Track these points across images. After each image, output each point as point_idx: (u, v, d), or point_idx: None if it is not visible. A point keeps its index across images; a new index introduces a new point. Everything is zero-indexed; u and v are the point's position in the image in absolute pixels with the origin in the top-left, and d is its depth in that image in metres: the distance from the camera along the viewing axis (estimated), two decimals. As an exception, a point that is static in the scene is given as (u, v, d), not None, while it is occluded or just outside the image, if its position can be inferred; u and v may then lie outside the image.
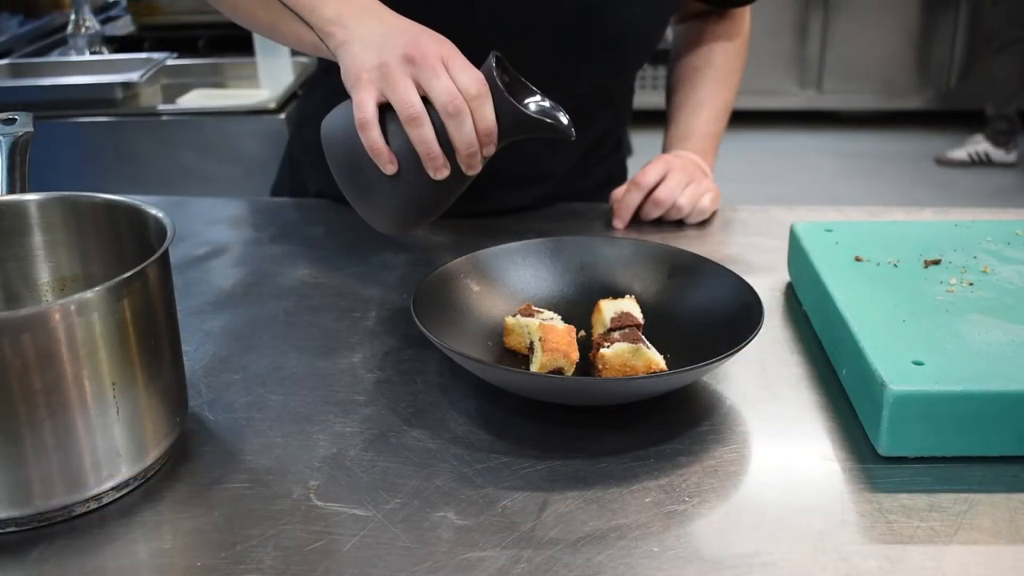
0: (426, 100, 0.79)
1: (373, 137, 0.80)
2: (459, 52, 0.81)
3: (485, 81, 0.79)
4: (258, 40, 2.24)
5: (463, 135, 0.79)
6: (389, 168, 0.81)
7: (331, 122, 0.86)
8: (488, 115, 0.79)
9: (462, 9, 1.03)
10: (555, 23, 1.05)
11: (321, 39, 0.86)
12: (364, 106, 0.80)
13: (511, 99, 0.80)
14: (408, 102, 0.78)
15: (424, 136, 0.79)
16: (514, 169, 1.09)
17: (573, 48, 1.07)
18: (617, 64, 1.15)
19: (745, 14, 1.28)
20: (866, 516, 0.64)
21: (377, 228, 0.88)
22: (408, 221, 0.87)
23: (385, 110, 0.80)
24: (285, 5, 0.87)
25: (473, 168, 0.81)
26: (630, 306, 0.83)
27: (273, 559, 0.61)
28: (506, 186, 1.13)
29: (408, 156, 0.80)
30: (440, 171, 0.80)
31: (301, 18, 0.87)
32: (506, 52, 1.06)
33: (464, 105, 0.78)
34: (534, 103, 0.85)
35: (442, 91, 0.78)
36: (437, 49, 0.80)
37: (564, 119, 0.83)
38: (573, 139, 0.83)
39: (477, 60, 0.82)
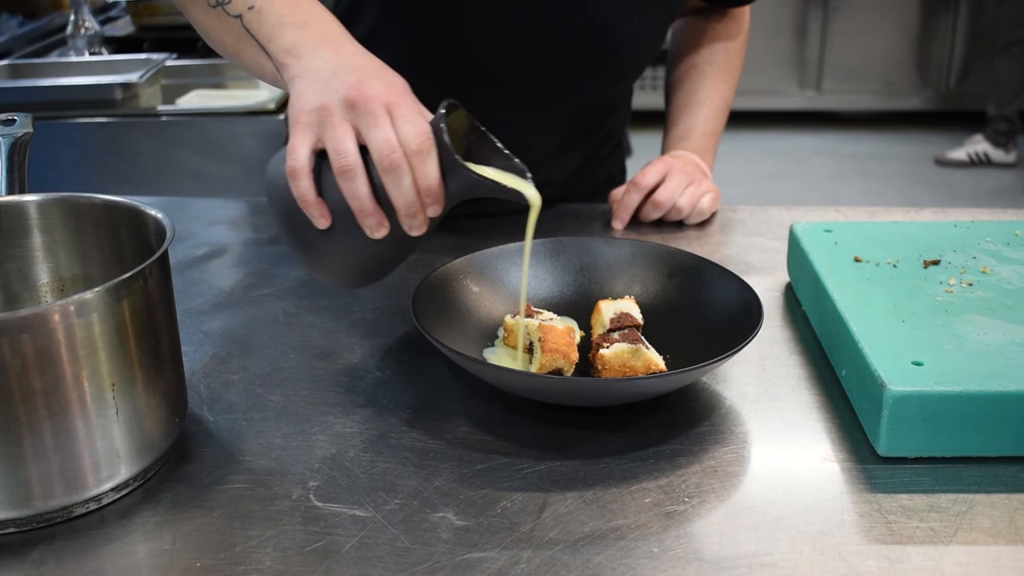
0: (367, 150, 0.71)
1: (302, 187, 0.72)
2: (411, 98, 0.73)
3: (431, 134, 0.70)
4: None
5: (401, 192, 0.70)
6: (321, 223, 0.73)
7: (272, 166, 0.77)
8: (430, 172, 0.70)
9: (465, 27, 1.03)
10: (559, 38, 1.05)
11: (278, 70, 0.79)
12: (296, 152, 0.72)
13: (457, 157, 0.70)
14: (341, 152, 0.70)
15: (357, 191, 0.71)
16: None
17: (577, 61, 1.08)
18: (620, 73, 1.16)
19: (745, 13, 1.28)
20: (865, 516, 0.65)
21: (320, 279, 0.81)
22: (349, 278, 0.79)
23: (325, 158, 0.72)
24: (248, 31, 0.81)
25: (416, 229, 0.72)
26: (629, 307, 0.83)
27: (272, 560, 0.61)
28: None
29: (346, 211, 0.72)
30: (376, 230, 0.72)
31: (261, 46, 0.80)
32: (511, 68, 1.05)
33: (402, 160, 0.69)
34: (495, 160, 0.75)
35: (380, 142, 0.69)
36: (384, 94, 0.71)
37: (526, 181, 0.74)
38: (537, 206, 0.74)
39: (479, 78, 0.74)
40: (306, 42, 0.77)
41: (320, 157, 0.73)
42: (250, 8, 0.81)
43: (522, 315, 0.80)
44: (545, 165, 1.17)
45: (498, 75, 1.06)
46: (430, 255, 1.05)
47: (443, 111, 0.71)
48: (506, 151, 0.75)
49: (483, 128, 0.76)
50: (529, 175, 0.75)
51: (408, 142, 0.69)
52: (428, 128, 0.70)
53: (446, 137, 0.70)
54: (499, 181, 0.72)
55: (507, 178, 0.74)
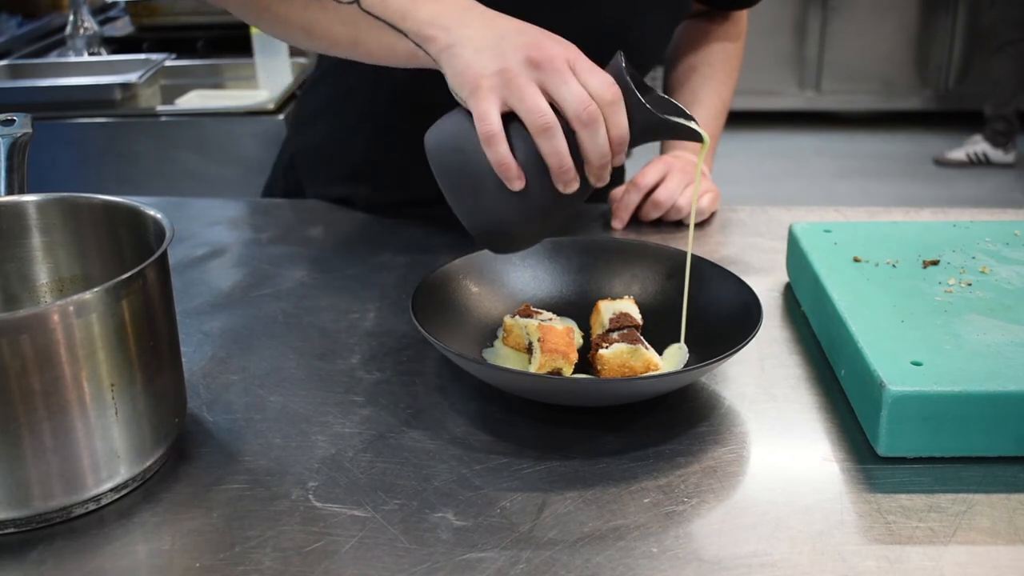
0: (553, 107, 0.72)
1: (501, 152, 0.72)
2: (583, 54, 0.74)
3: (617, 85, 0.72)
4: (257, 41, 2.24)
5: (597, 145, 0.72)
6: (517, 184, 0.73)
7: (441, 134, 0.77)
8: (622, 122, 0.72)
9: None
10: (577, 40, 1.05)
11: (418, 45, 0.78)
12: (488, 118, 0.72)
13: (646, 103, 0.73)
14: (539, 111, 0.71)
15: (557, 148, 0.71)
16: None
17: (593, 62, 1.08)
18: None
19: (744, 16, 1.29)
20: (865, 516, 0.65)
21: (493, 249, 0.80)
22: (528, 237, 0.79)
23: (506, 119, 0.73)
24: (371, 15, 0.79)
25: (602, 180, 0.75)
26: (629, 307, 0.83)
27: (272, 560, 0.61)
28: None
29: (535, 169, 0.73)
30: (571, 184, 0.73)
31: (392, 26, 0.78)
32: None
33: (599, 113, 0.71)
34: (659, 103, 0.78)
35: (574, 98, 0.71)
36: (563, 51, 0.73)
37: (694, 122, 0.77)
38: (707, 143, 0.78)
39: None
40: (447, 12, 0.77)
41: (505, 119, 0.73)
42: None
43: (690, 237, 0.85)
44: None
45: None
46: (430, 255, 1.05)
47: (621, 62, 0.73)
48: (664, 95, 0.78)
49: (640, 77, 0.77)
50: (690, 113, 0.78)
51: (600, 94, 0.71)
52: (613, 79, 0.72)
53: (632, 85, 0.72)
54: (677, 122, 0.75)
55: (682, 121, 0.76)
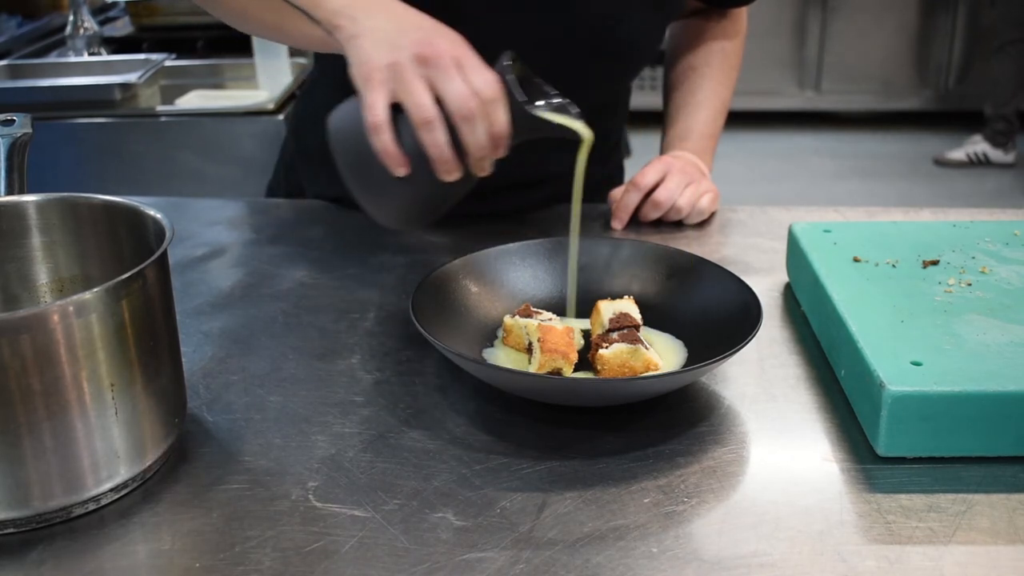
0: (437, 100, 0.77)
1: (385, 140, 0.78)
2: (472, 51, 0.79)
3: (499, 84, 0.77)
4: (257, 41, 2.24)
5: (476, 139, 0.77)
6: (400, 171, 0.79)
7: (339, 119, 0.84)
8: (501, 119, 0.77)
9: (462, 26, 1.02)
10: (563, 37, 1.05)
11: (329, 32, 0.83)
12: (375, 108, 0.77)
13: (524, 102, 0.78)
14: (421, 105, 0.76)
15: (437, 140, 0.77)
16: (516, 174, 1.09)
17: (579, 60, 1.08)
18: (621, 72, 1.16)
19: (743, 14, 1.28)
20: (865, 516, 0.65)
21: (382, 223, 0.88)
22: (414, 218, 0.87)
23: (396, 110, 0.78)
24: (289, 3, 0.85)
25: (483, 170, 0.80)
26: (628, 307, 0.83)
27: (272, 560, 0.61)
28: (508, 190, 1.13)
29: (419, 157, 0.78)
30: (451, 174, 0.79)
31: (307, 14, 0.84)
32: None
33: (478, 109, 0.76)
34: (547, 102, 0.83)
35: (456, 94, 0.76)
36: (451, 48, 0.77)
37: (578, 118, 0.82)
38: (589, 140, 0.82)
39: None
40: (356, 3, 0.81)
41: (393, 110, 0.78)
42: None
43: (572, 261, 0.88)
44: (543, 164, 1.17)
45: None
46: (430, 255, 1.05)
47: (506, 61, 0.79)
48: (556, 94, 0.84)
49: (535, 76, 0.84)
50: (578, 111, 0.83)
51: (481, 92, 0.76)
52: (496, 78, 0.77)
53: (513, 84, 0.78)
54: (557, 120, 0.81)
55: (563, 118, 0.82)
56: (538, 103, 0.83)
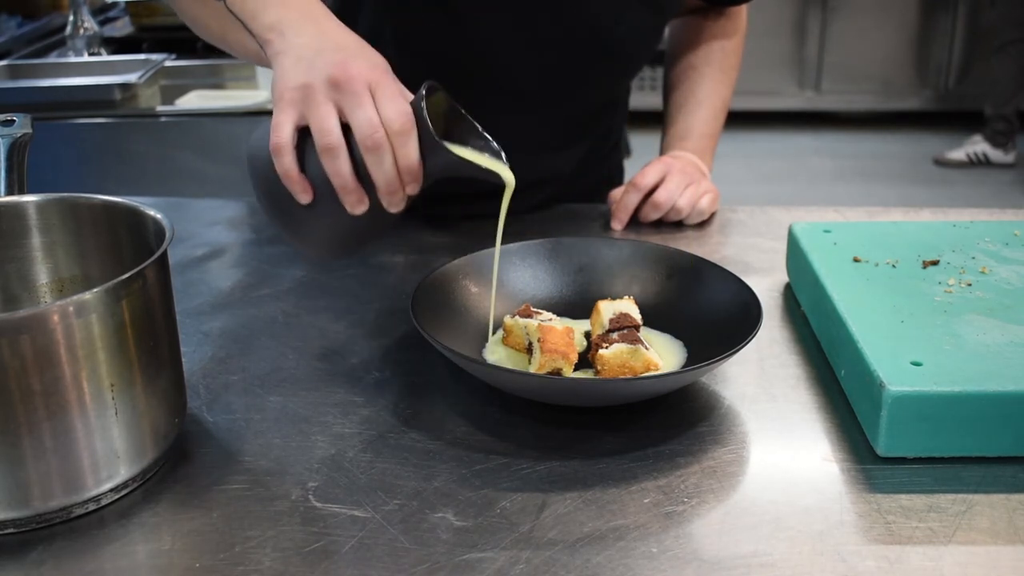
0: (346, 128, 0.73)
1: (286, 163, 0.74)
2: (392, 78, 0.75)
3: (412, 114, 0.72)
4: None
5: (383, 172, 0.72)
6: (303, 197, 0.75)
7: (254, 141, 0.80)
8: (411, 153, 0.72)
9: (462, 28, 1.03)
10: (557, 39, 1.05)
11: (261, 47, 0.80)
12: (279, 129, 0.74)
13: (437, 138, 0.72)
14: (325, 130, 0.72)
15: (339, 169, 0.73)
16: (515, 175, 1.09)
17: (574, 62, 1.08)
18: (619, 72, 1.16)
19: (742, 12, 1.28)
20: (865, 517, 0.65)
21: (300, 251, 0.84)
22: (328, 250, 0.83)
23: (307, 135, 0.74)
24: (231, 12, 0.82)
25: (394, 206, 0.75)
26: (628, 307, 0.83)
27: (272, 560, 0.61)
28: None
29: (326, 186, 0.74)
30: (356, 206, 0.74)
31: (244, 25, 0.81)
32: (507, 68, 1.05)
33: (384, 140, 0.71)
34: (472, 141, 0.77)
35: (363, 122, 0.71)
36: (367, 73, 0.73)
37: (500, 161, 0.77)
38: (511, 186, 0.78)
39: (475, 79, 0.78)
40: (288, 19, 0.78)
41: (303, 133, 0.75)
42: None
43: (492, 301, 0.85)
44: (543, 165, 1.17)
45: (495, 76, 1.06)
46: (430, 255, 1.05)
47: (424, 92, 0.73)
48: (483, 132, 0.78)
49: (462, 110, 0.78)
50: (503, 155, 0.78)
51: (390, 123, 0.72)
52: (409, 109, 0.72)
53: (426, 118, 0.72)
54: (476, 161, 0.75)
55: (484, 159, 0.76)
56: (467, 141, 0.77)
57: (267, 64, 0.81)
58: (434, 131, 0.72)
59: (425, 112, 0.72)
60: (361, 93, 0.72)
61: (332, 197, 0.75)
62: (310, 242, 0.81)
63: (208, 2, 0.86)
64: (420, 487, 0.68)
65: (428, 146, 0.73)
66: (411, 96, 0.74)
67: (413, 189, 0.75)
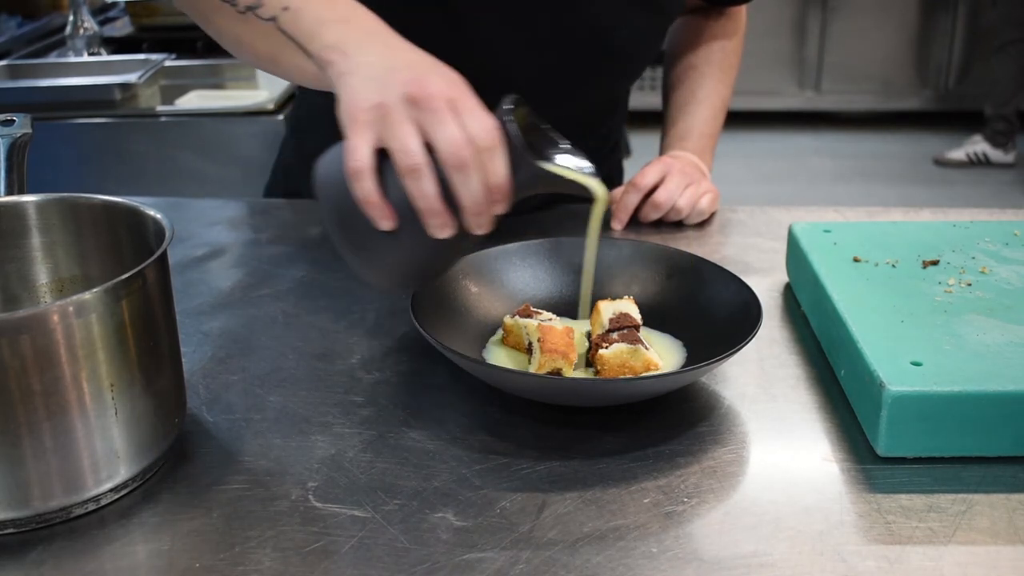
0: (430, 147, 0.69)
1: (366, 188, 0.69)
2: (470, 93, 0.71)
3: (498, 130, 0.68)
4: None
5: (469, 191, 0.68)
6: (384, 224, 0.70)
7: (325, 164, 0.74)
8: (499, 170, 0.68)
9: (463, 30, 1.02)
10: (559, 41, 1.05)
11: (321, 68, 0.76)
12: (357, 152, 0.69)
13: (528, 152, 0.69)
14: (408, 150, 0.68)
15: (424, 191, 0.68)
16: None
17: (576, 64, 1.08)
18: (619, 73, 1.16)
19: (742, 12, 1.28)
20: (865, 517, 0.65)
21: (371, 284, 0.78)
22: (404, 280, 0.77)
23: (385, 157, 0.70)
24: (284, 33, 0.78)
25: (480, 227, 0.71)
26: (628, 307, 0.83)
27: (272, 560, 0.61)
28: None
29: (407, 210, 0.69)
30: (442, 229, 0.70)
31: (300, 46, 0.77)
32: (509, 70, 1.05)
33: (471, 157, 0.67)
34: (557, 153, 0.74)
35: (448, 140, 0.67)
36: (446, 90, 0.69)
37: (591, 175, 0.74)
38: (603, 200, 0.75)
39: (476, 81, 0.75)
40: (351, 37, 0.74)
41: (380, 156, 0.70)
42: (285, 9, 0.78)
43: (584, 303, 0.83)
44: None
45: (494, 76, 1.06)
46: (429, 255, 1.05)
47: (509, 106, 0.70)
48: (567, 145, 0.75)
49: (544, 124, 0.74)
50: (592, 168, 0.74)
51: (477, 139, 0.68)
52: (495, 124, 0.69)
53: (515, 132, 0.69)
54: (566, 176, 0.72)
55: (573, 173, 0.73)
56: (549, 154, 0.73)
57: (326, 86, 0.76)
58: (523, 144, 0.69)
59: (513, 125, 0.69)
60: (442, 110, 0.68)
61: (414, 222, 0.70)
62: (385, 272, 0.75)
63: (254, 23, 0.80)
64: (420, 487, 0.68)
65: (516, 161, 0.69)
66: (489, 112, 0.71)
67: (501, 208, 0.70)
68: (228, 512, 0.65)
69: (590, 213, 0.77)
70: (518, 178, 0.69)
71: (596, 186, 0.74)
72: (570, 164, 0.74)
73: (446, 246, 0.72)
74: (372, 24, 0.77)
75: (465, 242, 0.73)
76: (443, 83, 0.70)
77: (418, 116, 0.68)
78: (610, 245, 0.93)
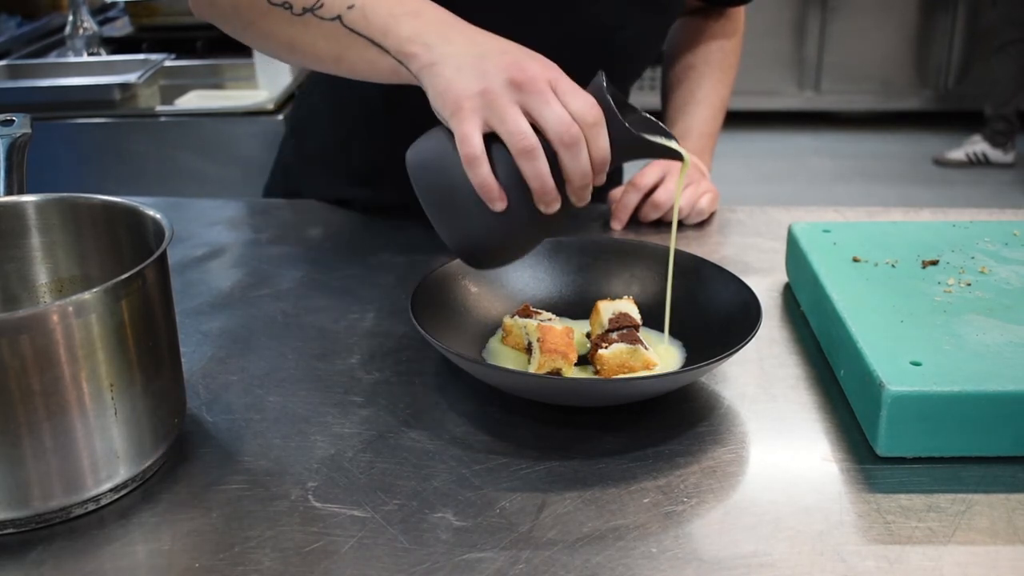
0: (534, 127, 0.72)
1: (483, 174, 0.71)
2: (564, 74, 0.74)
3: (599, 106, 0.72)
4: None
5: (579, 166, 0.72)
6: (499, 205, 0.72)
7: (423, 153, 0.77)
8: (604, 144, 0.72)
9: None
10: (559, 42, 1.05)
11: (400, 62, 0.77)
12: (470, 140, 0.71)
13: (626, 124, 0.73)
14: (521, 133, 0.70)
15: (539, 170, 0.71)
16: None
17: (578, 62, 1.07)
18: (620, 73, 1.16)
19: (741, 12, 1.29)
20: (864, 517, 0.65)
21: (475, 264, 0.80)
22: (510, 254, 0.80)
23: (488, 139, 0.72)
24: (353, 31, 0.79)
25: (583, 200, 0.75)
26: (628, 307, 0.83)
27: (271, 560, 0.61)
28: None
29: (516, 189, 0.72)
30: (552, 205, 0.73)
31: (373, 42, 0.78)
32: None
33: (580, 134, 0.71)
34: (641, 123, 0.78)
35: (556, 120, 0.70)
36: (544, 71, 0.72)
37: (675, 142, 0.77)
38: (688, 162, 0.79)
39: None
40: (429, 29, 0.76)
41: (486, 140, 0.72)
42: (350, 8, 0.79)
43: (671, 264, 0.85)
44: None
45: None
46: (430, 255, 1.05)
47: (603, 81, 0.74)
48: (644, 114, 0.78)
49: (620, 95, 0.77)
50: (672, 134, 0.78)
51: (582, 116, 0.71)
52: (595, 100, 0.72)
53: (613, 106, 0.73)
54: (657, 142, 0.76)
55: (662, 140, 0.77)
56: (636, 123, 0.77)
57: (404, 80, 0.78)
58: (622, 117, 0.73)
59: (611, 101, 0.73)
60: (546, 91, 0.71)
61: (522, 200, 0.73)
62: (494, 251, 0.78)
63: (313, 24, 0.81)
64: (420, 487, 0.68)
65: (617, 134, 0.73)
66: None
67: (601, 180, 0.74)
68: (228, 512, 0.65)
69: (679, 173, 0.83)
70: (616, 148, 0.73)
71: (682, 149, 0.78)
72: (654, 132, 0.78)
73: (548, 220, 0.75)
74: (444, 15, 0.78)
75: (564, 216, 0.77)
76: (539, 65, 0.73)
77: (523, 99, 0.71)
78: (610, 245, 0.93)
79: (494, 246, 0.77)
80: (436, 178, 0.75)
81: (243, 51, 2.33)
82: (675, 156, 0.77)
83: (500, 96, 0.71)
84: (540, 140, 0.71)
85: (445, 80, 0.73)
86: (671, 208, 1.12)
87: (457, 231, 0.76)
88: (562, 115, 0.71)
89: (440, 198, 0.75)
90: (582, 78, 1.10)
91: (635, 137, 0.74)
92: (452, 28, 0.77)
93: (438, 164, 0.74)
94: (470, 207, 0.74)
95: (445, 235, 0.77)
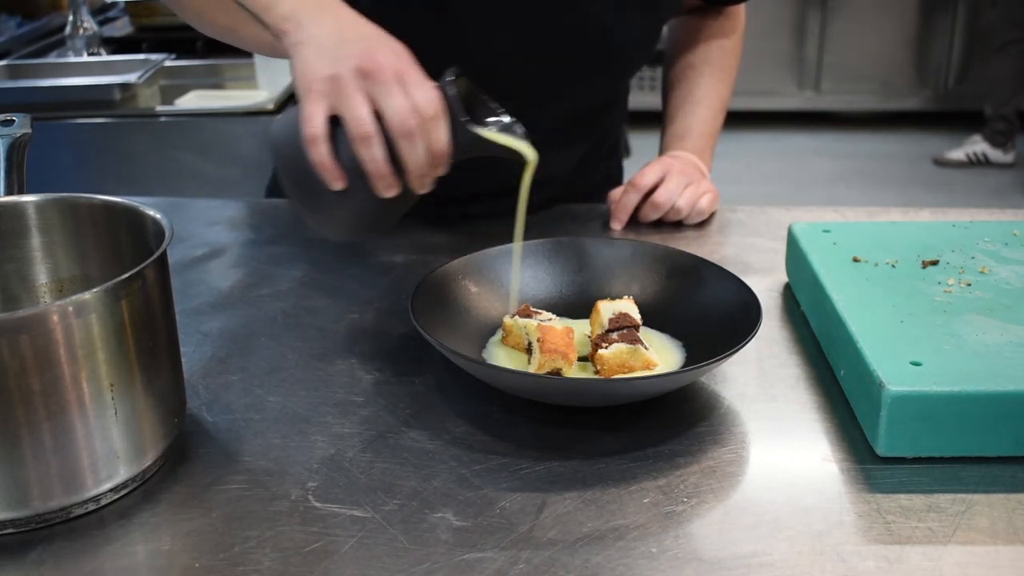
0: (377, 115, 0.76)
1: (321, 153, 0.76)
2: (415, 66, 0.77)
3: (440, 100, 0.75)
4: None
5: (415, 157, 0.75)
6: (336, 184, 0.77)
7: (280, 128, 0.83)
8: (441, 137, 0.76)
9: (459, 28, 1.02)
10: (555, 40, 1.05)
11: (276, 37, 0.81)
12: (312, 120, 0.76)
13: (466, 121, 0.76)
14: (360, 120, 0.74)
15: (374, 155, 0.75)
16: (516, 177, 1.09)
17: (573, 62, 1.08)
18: (617, 72, 1.16)
19: (741, 11, 1.28)
20: (864, 517, 0.65)
21: (325, 235, 0.87)
22: (356, 230, 0.88)
23: (335, 122, 0.77)
24: (243, 6, 0.83)
25: (423, 188, 0.78)
26: (628, 307, 0.83)
27: (271, 560, 0.61)
28: (508, 194, 1.14)
29: (357, 172, 0.77)
30: (388, 190, 0.77)
31: (257, 17, 0.82)
32: (506, 68, 1.05)
33: (418, 126, 0.74)
34: (493, 121, 0.81)
35: (396, 110, 0.74)
36: (393, 62, 0.76)
37: (523, 140, 0.80)
38: (533, 162, 0.81)
39: (475, 77, 0.79)
40: (304, 9, 0.80)
41: (332, 121, 0.76)
42: None
43: (515, 285, 0.88)
44: (542, 165, 1.16)
45: (491, 76, 1.06)
46: (430, 255, 1.05)
47: (450, 78, 0.77)
48: (502, 111, 0.82)
49: (481, 93, 0.81)
50: (524, 131, 0.81)
51: (422, 108, 0.74)
52: (438, 95, 0.75)
53: (455, 103, 0.76)
54: (499, 141, 0.79)
55: (506, 138, 0.80)
56: (487, 121, 0.81)
57: (281, 55, 0.82)
58: (463, 113, 0.76)
59: (454, 97, 0.76)
60: (391, 81, 0.75)
61: (361, 182, 0.77)
62: (338, 225, 0.84)
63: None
64: (419, 487, 0.68)
65: (456, 129, 0.76)
66: (433, 84, 0.77)
67: (441, 171, 0.78)
68: (228, 512, 0.65)
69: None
70: (457, 143, 0.77)
71: (526, 149, 0.80)
72: (504, 130, 0.81)
73: (392, 201, 0.79)
74: None
75: (409, 197, 0.80)
76: (391, 56, 0.76)
77: (368, 87, 0.75)
78: (610, 245, 0.93)
79: (341, 222, 0.83)
80: (288, 152, 0.80)
81: (243, 51, 2.33)
82: (518, 157, 0.80)
83: (348, 83, 0.75)
84: (384, 128, 0.75)
85: (303, 61, 0.77)
86: (671, 208, 1.12)
87: (307, 204, 0.83)
88: (402, 106, 0.74)
89: (291, 173, 0.82)
90: (577, 76, 1.10)
91: (472, 134, 0.77)
92: (326, 10, 0.80)
93: (290, 141, 0.79)
94: (315, 182, 0.79)
95: (298, 208, 0.84)
